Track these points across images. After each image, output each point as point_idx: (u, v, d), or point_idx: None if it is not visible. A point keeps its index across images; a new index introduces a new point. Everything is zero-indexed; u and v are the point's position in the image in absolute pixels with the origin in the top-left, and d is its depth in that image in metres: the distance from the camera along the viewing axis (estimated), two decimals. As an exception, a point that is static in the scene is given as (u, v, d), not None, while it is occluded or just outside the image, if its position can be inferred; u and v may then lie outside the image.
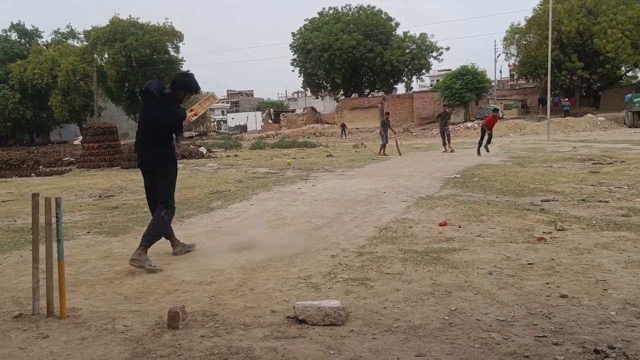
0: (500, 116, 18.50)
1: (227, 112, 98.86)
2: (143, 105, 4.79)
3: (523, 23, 45.94)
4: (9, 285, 4.08)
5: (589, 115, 35.99)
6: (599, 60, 40.21)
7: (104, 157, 18.46)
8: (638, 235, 4.85)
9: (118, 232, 6.11)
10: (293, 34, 55.30)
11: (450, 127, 21.59)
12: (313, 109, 60.55)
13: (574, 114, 38.53)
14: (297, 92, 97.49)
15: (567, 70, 41.32)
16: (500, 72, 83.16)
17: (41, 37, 61.73)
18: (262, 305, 3.41)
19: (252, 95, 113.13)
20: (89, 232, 6.17)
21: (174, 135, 4.81)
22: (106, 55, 50.30)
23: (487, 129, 16.28)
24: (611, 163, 11.81)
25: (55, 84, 50.07)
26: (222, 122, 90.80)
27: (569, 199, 7.14)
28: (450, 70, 46.12)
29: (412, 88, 56.67)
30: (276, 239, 5.30)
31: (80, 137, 30.91)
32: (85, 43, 53.18)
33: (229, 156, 22.42)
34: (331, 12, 54.49)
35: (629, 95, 33.76)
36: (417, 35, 53.08)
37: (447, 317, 3.07)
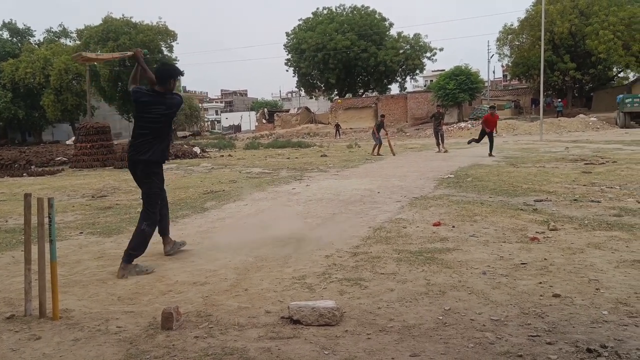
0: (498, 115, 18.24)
1: (221, 112, 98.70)
2: (140, 109, 4.65)
3: (516, 24, 46.11)
4: (1, 286, 4.06)
5: (581, 115, 36.18)
6: (591, 61, 40.43)
7: (96, 157, 18.35)
8: (630, 235, 4.89)
9: (111, 233, 6.08)
10: (287, 34, 55.31)
11: (444, 127, 21.62)
12: (307, 109, 60.58)
13: (566, 114, 38.73)
14: (291, 92, 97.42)
15: (559, 71, 41.51)
16: (494, 72, 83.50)
17: (33, 36, 61.29)
18: (256, 306, 3.40)
19: (246, 95, 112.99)
20: (81, 233, 6.14)
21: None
22: (99, 55, 50.06)
23: (486, 130, 16.08)
24: (603, 163, 11.88)
25: (48, 83, 49.71)
26: (215, 122, 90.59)
27: (562, 199, 7.18)
28: (443, 70, 46.30)
29: (405, 88, 56.82)
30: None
31: (73, 137, 30.76)
32: (78, 42, 52.83)
33: (222, 156, 22.37)
34: (325, 12, 54.51)
35: (621, 96, 33.99)
36: (411, 36, 53.27)
37: (441, 317, 3.08)
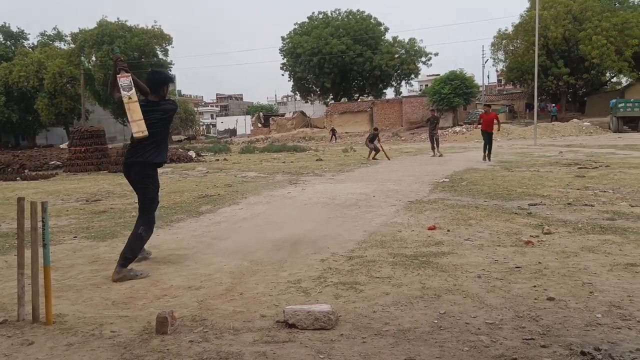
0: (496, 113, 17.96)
1: (217, 116, 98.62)
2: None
3: (510, 29, 46.42)
4: (-6, 290, 4.03)
5: (575, 120, 36.41)
6: (585, 66, 40.71)
7: (91, 161, 18.29)
8: (623, 239, 4.91)
9: (105, 237, 6.06)
10: (283, 38, 55.45)
11: (439, 131, 21.68)
12: (303, 113, 60.63)
13: (560, 119, 38.95)
14: (287, 96, 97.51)
15: (553, 76, 41.77)
16: (488, 77, 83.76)
17: (27, 39, 61.16)
18: (251, 310, 3.40)
19: (241, 99, 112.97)
20: (75, 237, 6.11)
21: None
22: (94, 58, 49.91)
23: (486, 132, 15.91)
24: (596, 167, 11.94)
25: (42, 86, 49.56)
26: (211, 126, 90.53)
27: (556, 202, 7.21)
28: (438, 75, 46.48)
29: (401, 93, 57.00)
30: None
31: (67, 141, 30.65)
32: (72, 45, 52.72)
33: (218, 160, 22.34)
34: (321, 16, 54.66)
35: (614, 100, 34.24)
36: (406, 40, 53.45)
37: (436, 321, 3.09)
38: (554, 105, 43.05)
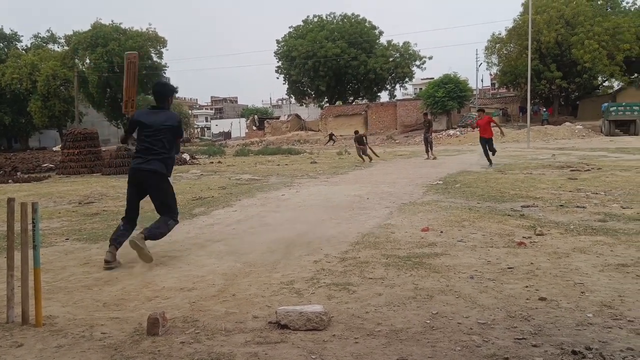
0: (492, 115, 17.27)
1: (211, 119, 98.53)
2: (143, 125, 4.86)
3: (504, 33, 46.65)
4: (-16, 292, 3.99)
5: (567, 123, 36.60)
6: (577, 70, 40.94)
7: (84, 164, 18.22)
8: (614, 240, 4.94)
9: (98, 239, 6.02)
10: (278, 41, 55.39)
11: (433, 134, 21.69)
12: (297, 116, 60.63)
13: (552, 122, 39.15)
14: (282, 99, 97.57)
15: (546, 80, 41.99)
16: (482, 80, 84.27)
17: (20, 41, 60.80)
18: (243, 311, 3.39)
19: (236, 101, 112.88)
20: (67, 239, 6.08)
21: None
22: (87, 61, 49.75)
23: (482, 139, 14.93)
24: (588, 170, 12.01)
25: (35, 89, 49.31)
26: (205, 129, 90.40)
27: (548, 204, 7.24)
28: (432, 78, 46.56)
29: (395, 96, 57.07)
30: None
31: (60, 144, 30.50)
32: (66, 48, 52.52)
33: (212, 163, 22.30)
34: (316, 20, 54.70)
35: (606, 104, 34.48)
36: (401, 44, 53.55)
37: (428, 321, 3.09)
38: (544, 109, 43.26)
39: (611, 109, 32.68)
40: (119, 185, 13.01)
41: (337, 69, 51.06)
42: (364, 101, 55.77)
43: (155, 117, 4.85)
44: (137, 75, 5.77)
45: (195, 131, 79.37)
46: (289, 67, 53.12)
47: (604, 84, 49.82)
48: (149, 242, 4.79)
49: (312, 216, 7.10)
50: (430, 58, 54.85)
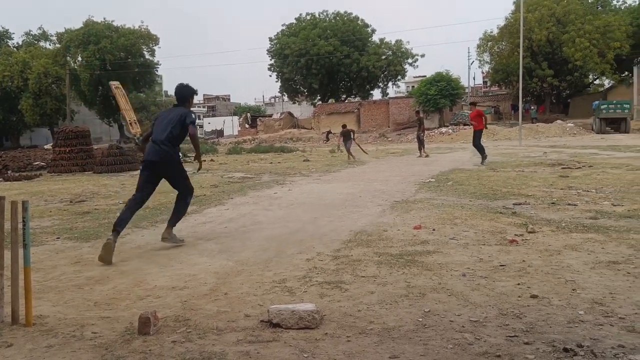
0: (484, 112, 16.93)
1: (204, 117, 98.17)
2: (157, 121, 5.51)
3: (496, 31, 46.79)
4: (-26, 292, 3.96)
5: (559, 121, 36.79)
6: (568, 68, 41.15)
7: (75, 162, 18.08)
8: (605, 237, 4.97)
9: (89, 238, 5.99)
10: (270, 39, 55.23)
11: (426, 132, 21.61)
12: (290, 114, 60.52)
13: (544, 120, 39.34)
14: (275, 97, 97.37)
15: (537, 78, 42.16)
16: (474, 78, 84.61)
17: (11, 38, 60.23)
18: (235, 310, 3.37)
19: (228, 99, 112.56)
20: (58, 238, 6.03)
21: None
22: (79, 58, 49.35)
23: (476, 133, 14.83)
24: (580, 168, 12.08)
25: (26, 86, 48.85)
26: (198, 127, 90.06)
27: (540, 202, 7.27)
28: (425, 76, 46.62)
29: (387, 94, 57.14)
30: None
31: (52, 142, 30.29)
32: (57, 45, 52.09)
33: (204, 161, 22.20)
34: (308, 17, 54.58)
35: (596, 102, 34.68)
36: (393, 42, 53.56)
37: (420, 319, 3.09)
38: (532, 107, 43.37)
39: (602, 107, 32.88)
40: (111, 183, 12.94)
41: (330, 66, 51.02)
42: (356, 99, 55.76)
43: (168, 113, 5.46)
44: (127, 98, 6.00)
45: (188, 129, 78.95)
46: (282, 65, 53.01)
47: (594, 82, 50.13)
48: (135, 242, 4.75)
49: (305, 214, 7.10)
50: (422, 56, 55.01)
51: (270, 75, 56.55)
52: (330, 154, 24.11)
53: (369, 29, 54.00)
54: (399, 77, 55.90)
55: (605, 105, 33.13)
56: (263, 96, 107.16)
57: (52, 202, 9.70)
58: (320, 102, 55.71)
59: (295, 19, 55.19)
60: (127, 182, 13.11)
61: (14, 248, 3.29)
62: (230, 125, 77.19)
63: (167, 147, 5.26)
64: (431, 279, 3.87)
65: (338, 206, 7.69)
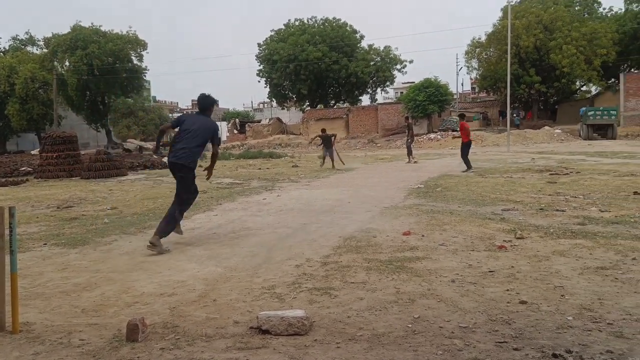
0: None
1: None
2: (184, 123, 5.89)
3: (484, 38, 47.21)
4: (-42, 299, 3.89)
5: (546, 127, 37.14)
6: (555, 74, 41.59)
7: (63, 167, 17.90)
8: (593, 243, 5.01)
9: (76, 244, 5.92)
10: (259, 45, 55.23)
11: (413, 138, 21.38)
12: (279, 119, 60.49)
13: (532, 126, 39.69)
14: (263, 103, 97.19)
15: (525, 84, 42.56)
16: (462, 85, 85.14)
17: (-2, 43, 59.75)
18: (224, 316, 3.35)
19: (217, 105, 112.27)
20: (45, 244, 5.97)
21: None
22: (67, 63, 48.98)
23: (462, 146, 14.72)
24: (567, 174, 12.19)
25: (13, 91, 48.33)
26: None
27: (528, 208, 7.32)
28: (413, 82, 46.90)
29: (376, 100, 57.32)
30: None
31: (39, 147, 29.98)
32: (45, 50, 51.68)
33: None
34: (297, 23, 54.69)
35: (584, 108, 35.05)
36: (382, 48, 53.83)
37: (410, 325, 3.09)
38: (515, 115, 43.65)
39: (589, 113, 33.24)
40: (98, 189, 12.83)
41: (319, 72, 51.11)
42: (345, 105, 55.90)
43: (195, 121, 5.88)
44: None
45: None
46: (271, 70, 52.99)
47: (582, 88, 50.73)
48: (122, 249, 4.72)
49: (294, 220, 7.08)
50: (410, 62, 55.43)
51: (259, 81, 56.54)
52: (319, 160, 24.09)
53: (358, 35, 54.23)
54: (388, 83, 56.14)
55: (592, 112, 33.50)
56: (252, 102, 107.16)
57: (39, 208, 9.60)
58: (309, 108, 55.79)
59: (284, 24, 55.26)
60: (115, 188, 13.01)
61: (0, 254, 3.24)
62: (219, 130, 76.90)
63: (196, 155, 5.83)
64: (420, 285, 3.88)
65: (327, 212, 7.69)
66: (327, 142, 18.23)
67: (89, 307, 3.66)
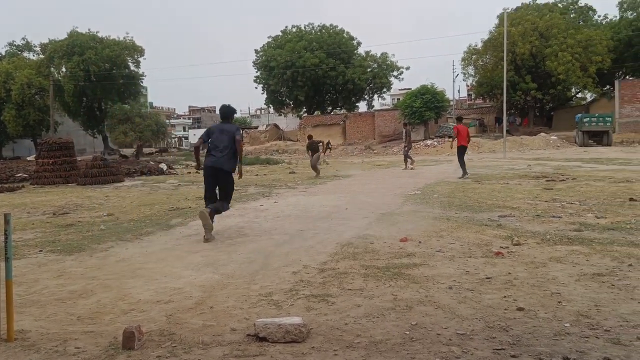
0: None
1: (189, 128, 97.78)
2: (213, 133, 6.79)
3: (480, 45, 47.43)
4: (-47, 307, 3.87)
5: (542, 134, 37.26)
6: (551, 81, 41.78)
7: (59, 174, 17.84)
8: (589, 249, 5.02)
9: (72, 251, 5.90)
10: (256, 51, 55.34)
11: (409, 144, 21.30)
12: (276, 126, 60.54)
13: (528, 132, 39.82)
14: (260, 109, 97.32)
15: (521, 91, 42.72)
16: (459, 91, 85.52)
17: (-6, 49, 59.65)
18: (221, 324, 3.34)
19: (214, 111, 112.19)
20: (41, 251, 5.94)
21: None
22: (64, 69, 48.92)
23: (460, 145, 14.50)
24: (564, 180, 12.22)
25: (9, 97, 48.20)
26: (183, 139, 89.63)
27: (525, 214, 7.33)
28: (410, 89, 47.01)
29: (373, 106, 57.44)
30: None
31: (35, 153, 29.89)
32: (41, 56, 51.64)
33: (190, 173, 22.10)
34: (294, 30, 54.87)
35: (579, 115, 35.22)
36: (378, 55, 54.01)
37: (408, 332, 3.08)
38: (512, 120, 43.67)
39: (584, 120, 33.39)
40: (95, 195, 12.80)
41: (316, 79, 51.23)
42: (342, 111, 55.98)
43: (220, 128, 6.78)
44: None
45: (173, 141, 78.66)
46: (268, 77, 53.09)
47: (577, 95, 50.96)
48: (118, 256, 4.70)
49: (291, 227, 7.08)
50: (407, 68, 55.62)
51: (256, 87, 56.66)
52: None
53: (355, 42, 54.42)
54: (385, 90, 56.29)
55: (588, 119, 33.65)
56: (249, 108, 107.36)
57: (34, 214, 9.56)
58: (306, 114, 55.85)
59: (281, 31, 55.44)
60: (111, 194, 12.98)
61: (-5, 262, 3.23)
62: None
63: (230, 157, 6.57)
64: (418, 291, 3.87)
65: (324, 218, 7.68)
66: (313, 149, 17.44)
67: (85, 314, 3.64)
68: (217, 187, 6.69)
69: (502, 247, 5.22)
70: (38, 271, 4.97)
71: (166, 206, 9.86)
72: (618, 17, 46.27)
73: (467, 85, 66.08)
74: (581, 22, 45.56)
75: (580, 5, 47.44)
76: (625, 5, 45.40)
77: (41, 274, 4.87)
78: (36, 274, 4.84)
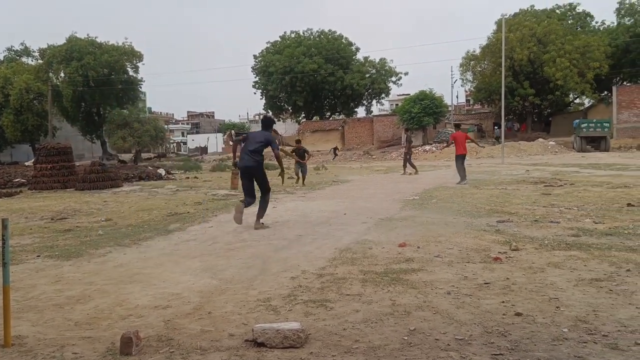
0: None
1: (187, 134, 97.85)
2: (248, 139, 7.83)
3: (478, 50, 47.60)
4: (-50, 312, 3.85)
5: (540, 139, 37.36)
6: (549, 87, 41.96)
7: (57, 179, 17.81)
8: (587, 254, 5.02)
9: (70, 256, 5.88)
10: (255, 57, 55.53)
11: (405, 150, 21.19)
12: (275, 131, 60.59)
13: (526, 138, 39.92)
14: (259, 114, 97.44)
15: (519, 97, 42.89)
16: (457, 97, 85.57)
17: (-7, 54, 59.68)
18: (219, 329, 3.33)
19: (213, 116, 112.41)
20: (38, 256, 5.92)
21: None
22: (62, 74, 49.01)
23: (456, 157, 14.44)
24: (562, 185, 12.24)
25: (7, 102, 48.23)
26: (182, 144, 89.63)
27: (523, 219, 7.34)
28: (408, 94, 47.14)
29: (372, 112, 57.65)
30: None
31: (33, 158, 29.86)
32: (40, 61, 51.70)
33: (188, 178, 22.10)
34: (293, 35, 55.06)
35: (577, 120, 35.34)
36: (377, 60, 54.19)
37: (406, 337, 3.08)
38: (497, 127, 43.57)
39: (582, 125, 33.50)
40: (93, 200, 12.78)
41: (314, 84, 51.37)
42: (340, 117, 56.12)
43: (254, 135, 7.88)
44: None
45: (171, 146, 78.65)
46: (266, 82, 53.23)
47: (575, 101, 51.15)
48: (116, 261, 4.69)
49: (289, 232, 7.07)
50: (406, 74, 55.63)
51: (255, 93, 56.76)
52: (315, 172, 24.12)
53: (353, 47, 54.62)
54: (383, 95, 56.48)
55: (586, 124, 33.77)
56: (247, 113, 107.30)
57: (32, 219, 9.54)
58: (304, 120, 55.96)
59: (280, 36, 55.66)
60: (110, 199, 12.97)
61: (-8, 267, 3.22)
62: (215, 142, 76.94)
63: (257, 158, 7.60)
64: (416, 297, 3.87)
65: (323, 224, 7.68)
66: (300, 156, 16.27)
67: (83, 320, 3.63)
68: (255, 183, 7.75)
69: (500, 253, 5.22)
70: (36, 276, 4.96)
71: (164, 211, 9.85)
72: (616, 24, 46.53)
73: (466, 91, 66.35)
74: (579, 28, 45.84)
75: (578, 11, 47.75)
76: (622, 12, 45.68)
77: (39, 279, 4.86)
78: (34, 280, 4.83)
